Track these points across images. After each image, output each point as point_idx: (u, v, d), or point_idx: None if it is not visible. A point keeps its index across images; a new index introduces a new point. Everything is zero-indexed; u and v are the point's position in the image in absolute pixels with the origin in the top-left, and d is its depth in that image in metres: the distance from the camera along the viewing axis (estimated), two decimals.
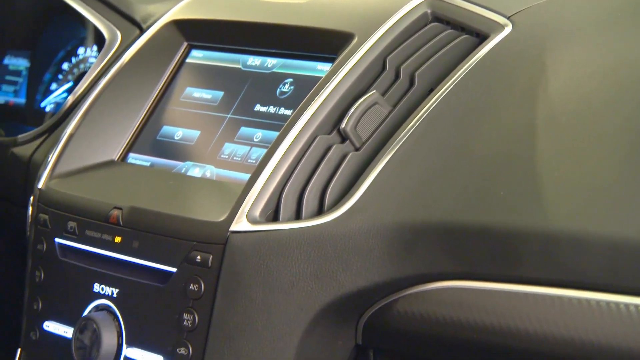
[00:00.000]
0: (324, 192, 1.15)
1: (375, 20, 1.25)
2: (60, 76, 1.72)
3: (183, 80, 1.40)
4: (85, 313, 1.24)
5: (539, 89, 1.13)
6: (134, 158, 1.37)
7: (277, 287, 1.12)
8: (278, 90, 1.30)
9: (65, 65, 1.72)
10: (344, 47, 1.24)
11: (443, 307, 1.09)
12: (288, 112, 1.27)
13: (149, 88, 1.40)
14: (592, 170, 1.04)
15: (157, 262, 1.19)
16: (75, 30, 1.70)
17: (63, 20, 1.73)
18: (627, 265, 0.98)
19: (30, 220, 1.35)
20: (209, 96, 1.36)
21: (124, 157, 1.37)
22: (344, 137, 1.18)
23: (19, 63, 1.81)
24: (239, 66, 1.36)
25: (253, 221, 1.13)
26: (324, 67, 1.27)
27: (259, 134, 1.28)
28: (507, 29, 1.22)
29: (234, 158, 1.28)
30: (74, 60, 1.71)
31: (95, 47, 1.66)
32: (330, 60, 1.26)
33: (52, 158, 1.36)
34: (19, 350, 1.33)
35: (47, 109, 1.70)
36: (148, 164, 1.35)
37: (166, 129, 1.37)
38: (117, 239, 1.23)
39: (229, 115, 1.32)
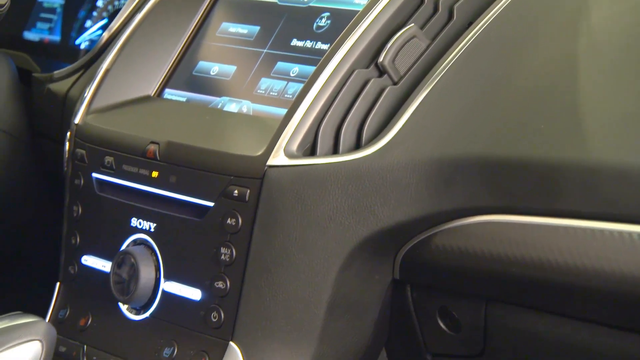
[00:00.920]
0: (362, 127, 1.15)
1: None
2: (94, 13, 1.72)
3: (218, 16, 1.39)
4: (123, 247, 1.25)
5: (580, 20, 1.12)
6: (170, 93, 1.36)
7: (314, 222, 1.12)
8: (315, 24, 1.29)
9: (99, 2, 1.71)
10: None
11: (481, 241, 1.08)
12: (325, 47, 1.25)
13: (184, 24, 1.40)
14: (634, 102, 1.03)
15: (195, 196, 1.19)
16: None
17: None
18: None
19: (67, 156, 1.35)
20: (245, 31, 1.35)
21: (160, 92, 1.37)
22: (381, 71, 1.17)
23: (53, 0, 1.80)
24: (275, 0, 1.34)
25: (290, 155, 1.13)
26: (361, 1, 1.26)
27: (295, 68, 1.27)
28: None
29: (271, 93, 1.27)
30: None
31: None
32: None
33: (89, 93, 1.36)
34: (58, 284, 1.34)
35: (82, 46, 1.70)
36: (184, 99, 1.35)
37: (202, 64, 1.36)
38: (154, 174, 1.23)
39: (265, 50, 1.31)
